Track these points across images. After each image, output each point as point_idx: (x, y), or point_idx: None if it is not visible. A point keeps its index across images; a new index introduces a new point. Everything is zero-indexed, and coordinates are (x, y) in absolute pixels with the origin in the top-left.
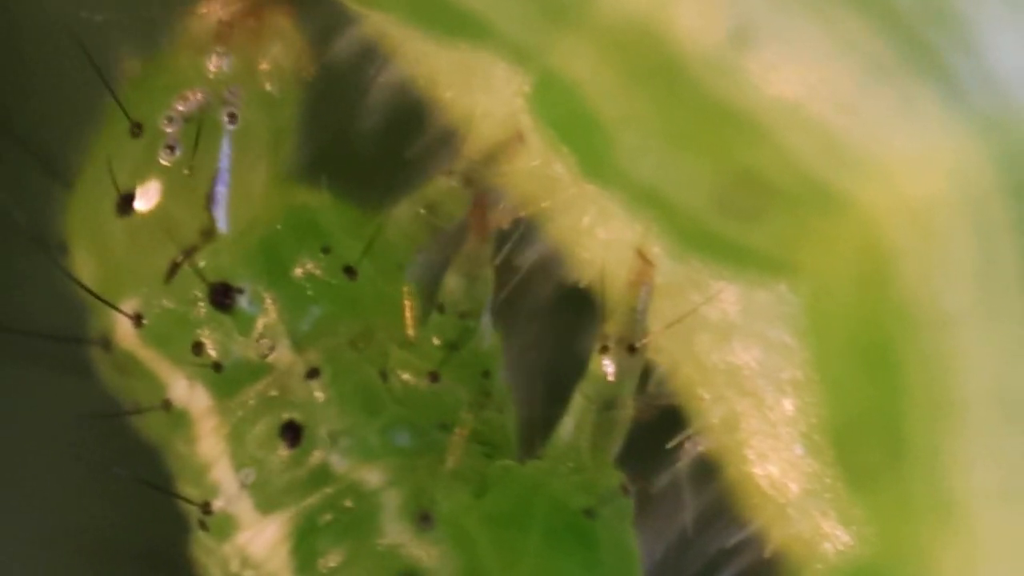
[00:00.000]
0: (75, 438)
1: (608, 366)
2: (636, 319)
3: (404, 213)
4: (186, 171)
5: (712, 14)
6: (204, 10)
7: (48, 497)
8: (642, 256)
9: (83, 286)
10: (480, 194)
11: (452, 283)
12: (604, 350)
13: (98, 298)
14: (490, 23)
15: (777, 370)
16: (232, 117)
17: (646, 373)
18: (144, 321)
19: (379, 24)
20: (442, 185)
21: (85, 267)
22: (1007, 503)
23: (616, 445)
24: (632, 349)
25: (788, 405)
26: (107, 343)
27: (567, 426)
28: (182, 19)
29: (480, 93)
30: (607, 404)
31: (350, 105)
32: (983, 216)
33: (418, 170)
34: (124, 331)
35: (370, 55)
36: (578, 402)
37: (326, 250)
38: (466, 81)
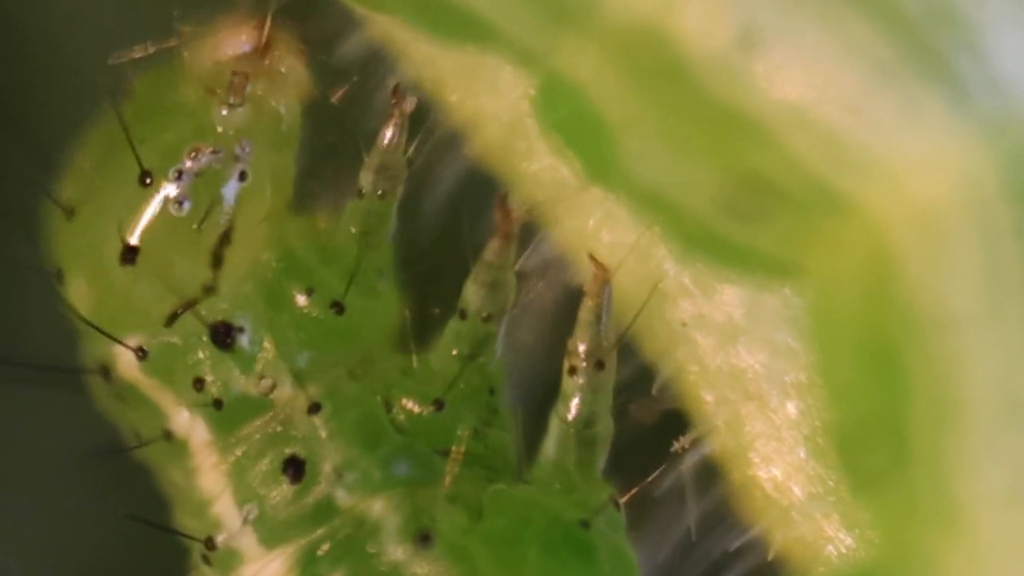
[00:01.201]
0: (74, 467)
1: (579, 386)
2: (600, 332)
3: (342, 242)
4: (194, 226)
5: (718, 17)
6: (215, 40)
7: (48, 530)
8: (595, 261)
9: (87, 322)
10: (503, 194)
11: (474, 289)
12: (572, 371)
13: (101, 332)
14: (496, 26)
15: (782, 373)
16: (243, 175)
17: (650, 376)
18: (147, 353)
19: (385, 27)
20: (363, 203)
21: (82, 299)
22: (1012, 507)
23: (601, 459)
24: (600, 365)
25: (792, 408)
26: (106, 371)
27: (549, 447)
28: (191, 39)
29: (486, 96)
30: (585, 423)
31: (356, 108)
32: (988, 219)
33: (424, 172)
34: (126, 362)
35: (377, 58)
36: (555, 424)
37: (310, 291)
38: (472, 84)
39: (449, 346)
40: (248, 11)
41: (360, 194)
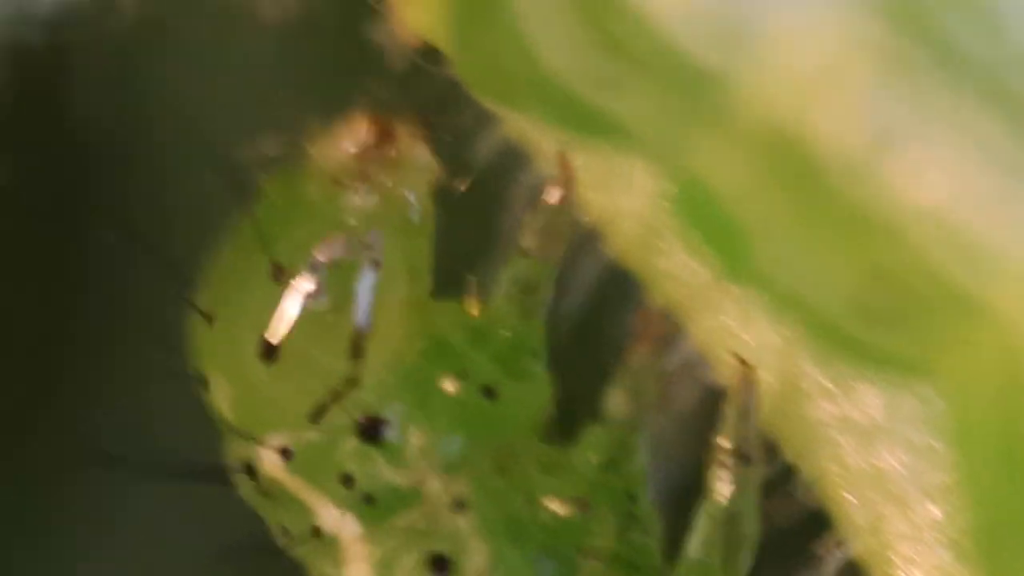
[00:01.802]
0: (222, 566)
1: (725, 481)
2: (746, 428)
3: (502, 305)
4: (330, 319)
5: (853, 120)
6: (339, 135)
7: None
8: (741, 360)
9: (230, 427)
10: (647, 305)
11: (616, 396)
12: (719, 465)
13: (243, 436)
14: (630, 125)
15: (923, 474)
16: (375, 264)
17: (791, 477)
18: (292, 453)
19: (519, 126)
20: (525, 261)
21: (226, 401)
22: None
23: (747, 560)
24: (747, 459)
25: (934, 509)
26: (251, 470)
27: (695, 545)
28: (315, 139)
29: (621, 194)
30: (732, 520)
31: (491, 206)
32: None
33: (561, 270)
34: (271, 461)
35: (511, 156)
36: (703, 521)
37: (462, 375)
38: (607, 182)
39: (589, 452)
40: (371, 106)
41: (524, 253)
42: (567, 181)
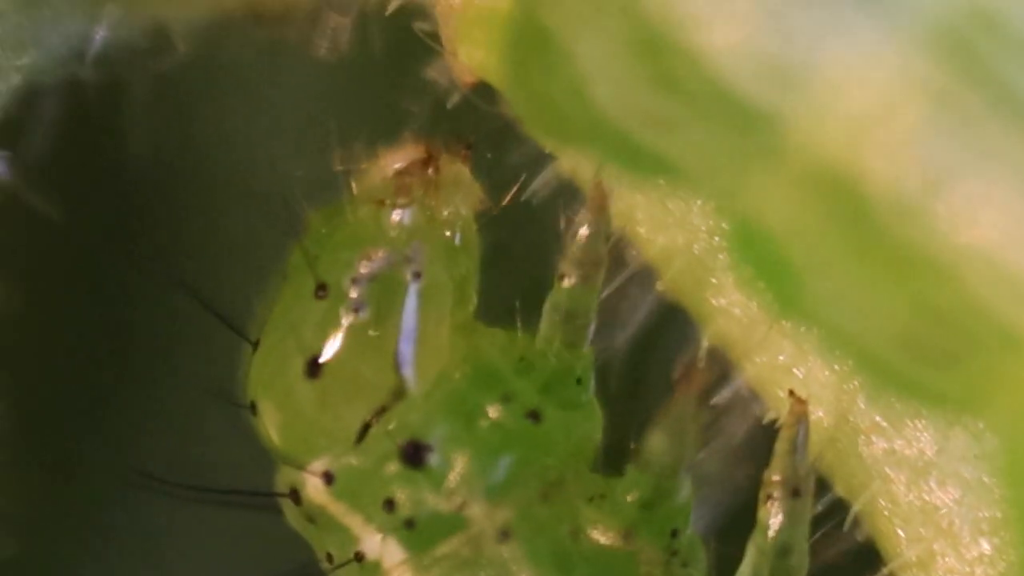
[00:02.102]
0: None
1: (775, 514)
2: (796, 461)
3: (546, 333)
4: (373, 332)
5: (904, 159)
6: (382, 161)
7: None
8: (793, 395)
9: (272, 449)
10: (690, 353)
11: (656, 441)
12: (769, 498)
13: (286, 461)
14: (684, 163)
15: (974, 509)
16: (416, 276)
17: (841, 511)
18: (334, 477)
19: (574, 163)
20: (564, 288)
21: (274, 426)
22: None
23: None
24: (797, 493)
25: (985, 545)
26: (297, 496)
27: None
28: (359, 170)
29: (676, 230)
30: (781, 552)
31: (546, 242)
32: None
33: (614, 306)
34: (314, 486)
35: (565, 193)
36: (752, 553)
37: (507, 399)
38: (662, 219)
39: (627, 492)
40: (416, 135)
41: (561, 278)
42: (601, 206)
